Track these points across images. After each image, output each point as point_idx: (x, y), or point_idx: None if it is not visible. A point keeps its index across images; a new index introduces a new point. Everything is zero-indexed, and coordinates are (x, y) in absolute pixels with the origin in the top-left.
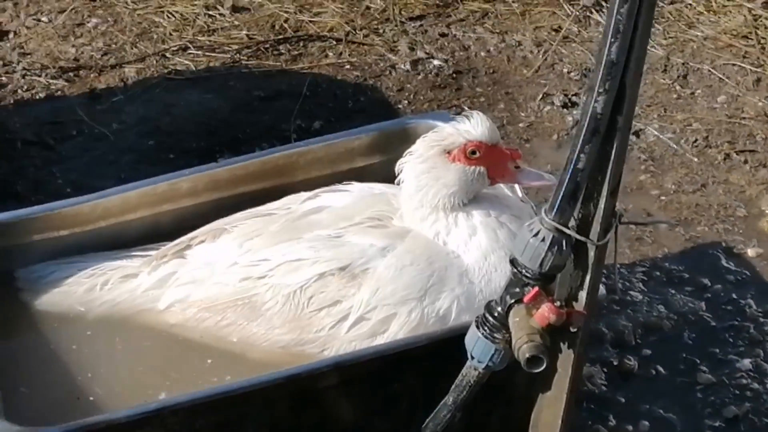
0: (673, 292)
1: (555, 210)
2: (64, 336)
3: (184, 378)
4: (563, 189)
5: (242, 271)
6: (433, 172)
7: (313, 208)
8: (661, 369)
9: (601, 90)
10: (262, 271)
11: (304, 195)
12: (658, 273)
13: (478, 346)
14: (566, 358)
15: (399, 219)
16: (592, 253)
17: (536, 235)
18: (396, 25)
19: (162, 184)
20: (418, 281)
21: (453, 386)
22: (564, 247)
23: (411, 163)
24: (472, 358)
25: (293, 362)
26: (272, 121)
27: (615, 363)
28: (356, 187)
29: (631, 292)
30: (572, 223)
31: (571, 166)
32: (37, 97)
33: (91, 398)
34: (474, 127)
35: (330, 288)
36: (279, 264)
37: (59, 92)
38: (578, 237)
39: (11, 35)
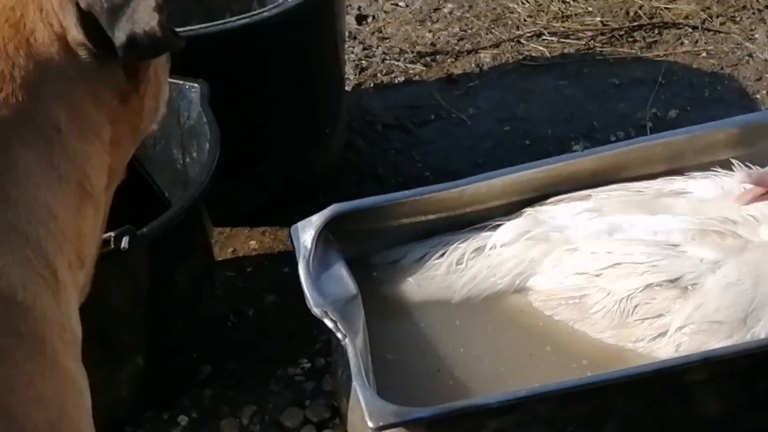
0: None
1: None
2: (428, 320)
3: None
4: None
5: (581, 263)
6: None
7: (676, 190)
8: None
9: None
10: (597, 268)
11: (678, 177)
12: None
13: None
14: None
15: (749, 228)
16: None
17: None
18: (753, 13)
19: (526, 172)
20: (741, 302)
21: None
22: None
23: None
24: None
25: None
26: (627, 109)
27: None
28: (726, 182)
29: None
30: None
31: None
32: (396, 81)
33: (451, 379)
34: None
35: (656, 299)
36: (611, 265)
37: (417, 77)
38: None
39: (370, 19)
